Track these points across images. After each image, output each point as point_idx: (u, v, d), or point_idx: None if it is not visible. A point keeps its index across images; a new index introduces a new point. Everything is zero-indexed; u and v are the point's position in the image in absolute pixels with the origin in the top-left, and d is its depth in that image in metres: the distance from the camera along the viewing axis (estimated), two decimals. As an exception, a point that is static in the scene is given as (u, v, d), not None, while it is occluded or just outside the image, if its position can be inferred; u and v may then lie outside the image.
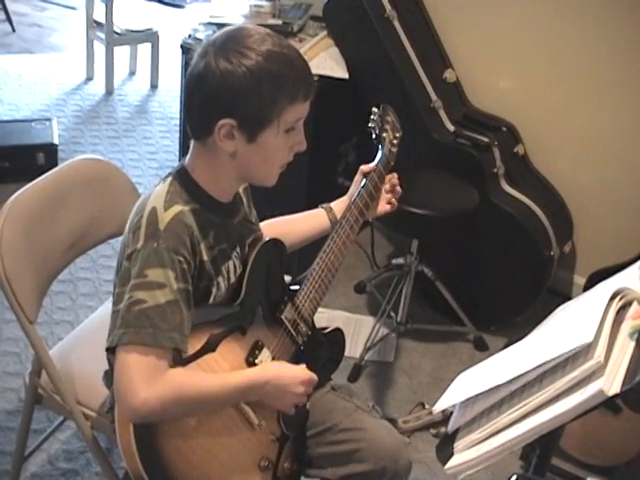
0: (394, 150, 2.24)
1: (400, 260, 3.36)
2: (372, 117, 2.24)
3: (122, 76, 5.81)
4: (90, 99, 5.44)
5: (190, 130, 1.72)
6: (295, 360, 1.89)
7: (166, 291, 1.59)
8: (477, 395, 1.63)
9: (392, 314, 3.36)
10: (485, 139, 3.32)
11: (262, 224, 2.08)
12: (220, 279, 1.76)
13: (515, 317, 3.35)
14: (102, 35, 5.34)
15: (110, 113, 5.29)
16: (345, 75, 3.40)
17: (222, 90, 1.61)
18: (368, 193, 2.08)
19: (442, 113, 3.42)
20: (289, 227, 2.14)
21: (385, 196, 2.17)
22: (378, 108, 2.27)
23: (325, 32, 3.52)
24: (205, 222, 1.71)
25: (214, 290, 1.75)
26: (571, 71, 3.42)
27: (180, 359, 1.63)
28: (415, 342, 3.40)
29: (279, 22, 3.42)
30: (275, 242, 1.92)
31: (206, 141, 1.69)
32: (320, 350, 2.01)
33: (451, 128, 3.40)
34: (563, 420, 1.40)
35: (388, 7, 3.39)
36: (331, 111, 3.45)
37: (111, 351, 1.62)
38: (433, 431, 2.93)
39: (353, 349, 3.30)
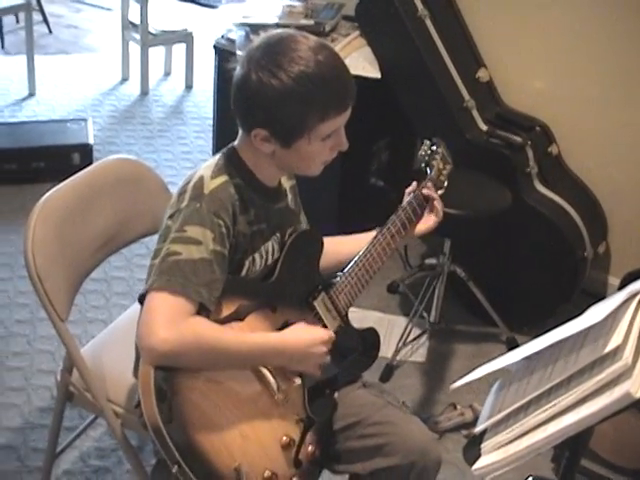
0: (442, 179, 2.26)
1: (433, 260, 3.35)
2: (423, 147, 2.25)
3: (157, 77, 5.85)
4: (125, 99, 5.49)
5: (237, 121, 1.79)
6: None
7: (201, 248, 1.65)
8: (503, 393, 1.63)
9: (425, 314, 3.36)
10: (518, 139, 3.30)
11: None
12: (257, 256, 1.82)
13: (548, 318, 3.32)
14: (137, 36, 5.39)
15: (145, 113, 5.33)
16: (377, 75, 3.40)
17: (255, 103, 1.69)
18: (412, 209, 2.10)
19: (475, 113, 3.40)
20: (341, 246, 2.15)
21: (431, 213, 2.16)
22: (430, 140, 2.28)
23: (357, 32, 3.52)
24: (247, 198, 1.78)
25: (247, 263, 1.79)
26: (605, 70, 3.38)
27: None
28: (447, 343, 3.39)
29: (311, 22, 3.43)
30: (315, 231, 2.00)
31: (250, 135, 1.75)
32: (352, 344, 2.03)
33: (484, 128, 3.39)
34: (590, 422, 1.39)
35: (420, 6, 3.38)
36: (363, 111, 3.40)
37: (143, 300, 1.65)
38: (464, 432, 2.92)
39: (385, 349, 3.29)
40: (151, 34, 5.37)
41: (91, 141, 4.39)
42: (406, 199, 2.12)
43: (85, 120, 4.63)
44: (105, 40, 6.41)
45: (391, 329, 3.43)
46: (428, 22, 3.39)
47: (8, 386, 2.97)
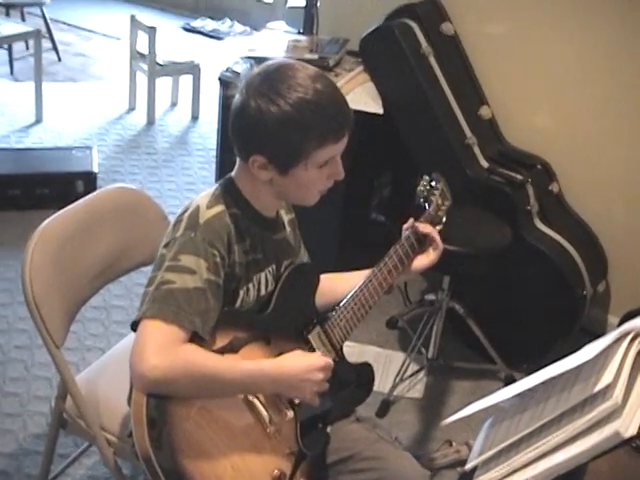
0: (441, 214, 2.25)
1: (432, 296, 3.35)
2: (422, 182, 2.25)
3: (164, 107, 5.90)
4: (131, 129, 5.53)
5: (234, 149, 1.81)
6: None
7: (195, 278, 1.65)
8: (494, 429, 1.63)
9: (423, 350, 3.35)
10: (519, 176, 3.32)
11: None
12: (250, 286, 1.82)
13: (547, 356, 3.31)
14: (145, 66, 5.44)
15: (150, 143, 5.36)
16: (380, 110, 3.41)
17: (252, 130, 1.71)
18: (409, 244, 2.09)
19: (476, 150, 3.42)
20: (337, 282, 2.13)
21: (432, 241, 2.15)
22: (429, 176, 2.29)
23: (361, 67, 3.54)
24: (243, 228, 1.79)
25: (242, 294, 1.80)
26: (607, 109, 3.41)
27: None
28: (445, 379, 3.38)
29: (315, 57, 3.45)
30: (312, 265, 2.02)
31: (247, 163, 1.77)
32: (346, 378, 2.02)
33: (485, 165, 3.40)
34: (580, 461, 1.39)
35: (424, 43, 3.41)
36: (365, 146, 3.46)
37: (135, 328, 1.66)
38: (460, 469, 2.90)
39: (382, 384, 3.29)
40: (158, 65, 5.42)
41: (95, 169, 4.42)
42: (403, 235, 2.12)
43: (90, 148, 4.66)
44: (113, 69, 6.48)
45: (389, 364, 3.42)
46: (431, 59, 3.42)
47: (4, 412, 2.96)
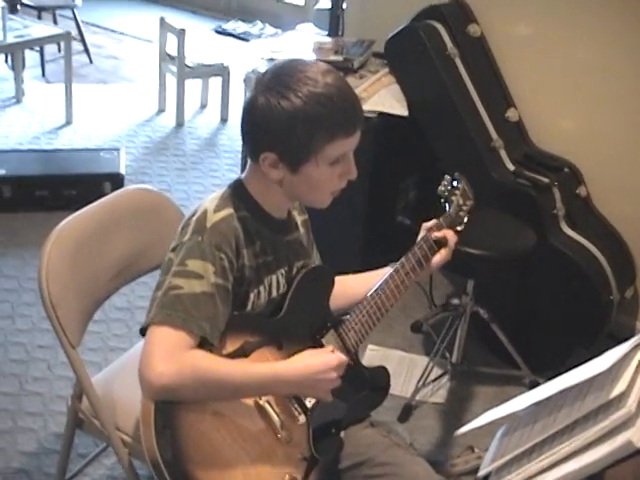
0: (462, 215, 2.21)
1: (457, 300, 3.32)
2: (443, 182, 2.23)
3: (193, 109, 5.91)
4: (160, 131, 5.55)
5: (245, 150, 1.82)
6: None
7: (203, 282, 1.64)
8: (507, 438, 1.60)
9: (447, 355, 3.32)
10: (545, 180, 3.28)
11: None
12: (261, 289, 1.80)
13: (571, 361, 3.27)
14: (174, 68, 5.46)
15: (179, 145, 5.38)
16: (405, 113, 3.39)
17: (262, 126, 1.70)
18: (429, 246, 2.06)
19: (502, 152, 3.38)
20: (351, 284, 2.12)
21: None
22: (451, 176, 2.26)
23: (386, 69, 3.52)
24: (253, 231, 1.77)
25: (252, 297, 1.78)
26: (636, 110, 3.35)
27: None
28: (469, 384, 3.34)
29: (340, 58, 3.44)
30: (325, 269, 1.98)
31: (257, 163, 1.75)
32: (360, 383, 1.99)
33: (511, 168, 3.37)
34: (591, 470, 1.37)
35: (450, 44, 3.39)
36: (391, 148, 3.45)
37: (144, 333, 1.65)
38: (475, 477, 2.87)
39: (405, 388, 3.26)
40: (188, 67, 5.44)
41: (122, 171, 4.44)
42: (422, 234, 2.09)
43: (118, 150, 4.68)
44: (144, 71, 6.51)
45: (412, 368, 3.39)
46: (457, 61, 3.40)
47: (26, 411, 2.98)
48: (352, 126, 1.72)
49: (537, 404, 1.60)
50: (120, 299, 3.57)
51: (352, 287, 2.07)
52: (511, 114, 3.54)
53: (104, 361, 3.22)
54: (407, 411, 3.13)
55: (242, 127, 1.76)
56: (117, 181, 4.35)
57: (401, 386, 3.30)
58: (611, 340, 3.36)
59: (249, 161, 1.81)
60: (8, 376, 3.16)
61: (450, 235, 2.09)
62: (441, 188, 2.21)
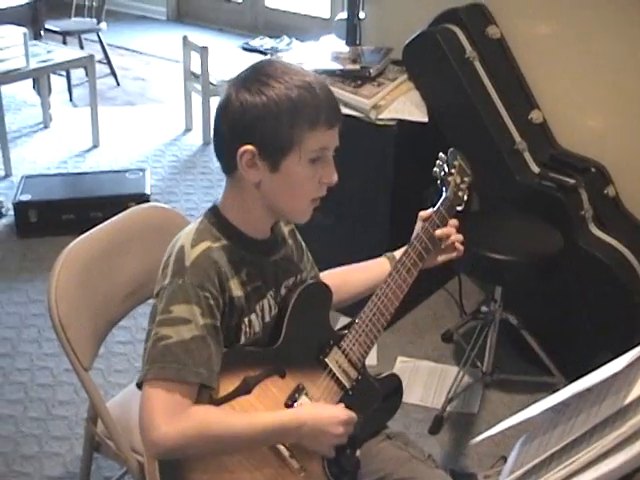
0: (461, 194, 2.14)
1: (485, 308, 3.25)
2: (438, 162, 2.16)
3: (220, 126, 5.89)
4: (187, 149, 5.55)
5: (220, 165, 1.73)
6: (342, 405, 1.79)
7: (191, 326, 1.57)
8: (526, 447, 1.54)
9: (478, 364, 3.25)
10: (571, 181, 3.19)
11: (322, 274, 2.05)
12: (253, 316, 1.73)
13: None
14: (199, 86, 5.45)
15: (206, 163, 5.37)
16: (424, 119, 3.33)
17: (242, 118, 1.62)
18: (428, 237, 1.99)
19: (527, 155, 3.31)
20: (349, 276, 2.09)
21: (449, 242, 2.04)
22: (445, 153, 2.19)
23: (405, 76, 3.47)
24: (237, 259, 1.69)
25: (244, 327, 1.71)
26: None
27: (211, 400, 1.60)
28: (501, 393, 3.27)
29: (357, 67, 3.39)
30: (319, 285, 1.89)
31: (234, 174, 1.68)
32: (371, 396, 1.91)
33: (536, 170, 3.29)
34: (611, 478, 1.30)
35: (468, 48, 3.33)
36: (412, 155, 3.39)
37: (140, 388, 1.60)
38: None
39: (437, 400, 3.20)
40: (212, 84, 5.43)
41: (148, 191, 4.44)
42: (419, 225, 2.02)
43: (143, 170, 4.68)
44: (171, 91, 6.52)
45: (443, 379, 3.33)
46: (477, 64, 3.33)
47: (52, 435, 2.98)
48: (333, 117, 1.66)
49: (555, 410, 1.54)
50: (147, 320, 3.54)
51: (352, 279, 2.04)
52: (535, 116, 3.46)
53: (130, 383, 3.18)
54: (438, 423, 3.06)
55: (217, 133, 1.68)
56: (142, 201, 4.27)
57: (432, 398, 3.24)
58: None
59: (225, 183, 1.74)
60: (35, 400, 3.16)
61: (450, 230, 2.02)
62: (435, 169, 2.12)
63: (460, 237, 2.03)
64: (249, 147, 1.62)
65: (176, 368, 1.55)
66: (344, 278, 2.06)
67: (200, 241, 1.66)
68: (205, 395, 1.59)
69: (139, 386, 1.60)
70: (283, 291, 1.82)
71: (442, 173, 2.13)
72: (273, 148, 1.63)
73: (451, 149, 2.19)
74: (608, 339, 3.19)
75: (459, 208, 2.12)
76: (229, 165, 1.68)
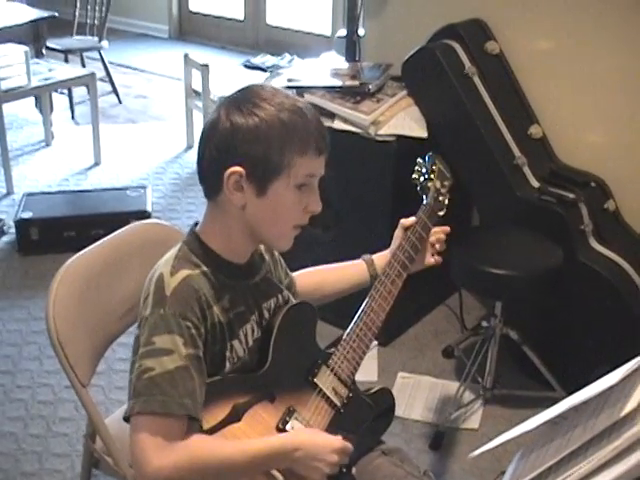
0: (442, 199, 2.14)
1: (486, 323, 3.25)
2: (416, 168, 2.15)
3: (221, 143, 5.90)
4: (189, 167, 5.55)
5: (203, 188, 1.72)
6: (334, 424, 1.79)
7: (174, 357, 1.55)
8: (523, 461, 1.54)
9: (479, 379, 3.24)
10: (571, 195, 3.20)
11: (297, 273, 2.06)
12: (236, 342, 1.71)
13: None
14: (200, 104, 5.47)
15: (207, 180, 5.36)
16: (424, 134, 3.34)
17: (232, 138, 1.60)
18: (411, 245, 1.99)
19: (526, 170, 3.32)
20: (325, 277, 2.10)
21: (430, 249, 2.05)
22: (423, 159, 2.19)
23: (404, 91, 3.47)
24: (218, 285, 1.67)
25: (228, 353, 1.69)
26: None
27: (200, 430, 1.58)
28: (502, 408, 3.25)
29: (356, 83, 3.40)
30: (303, 306, 1.86)
31: (217, 199, 1.67)
32: (363, 413, 1.89)
33: (536, 185, 3.29)
34: (608, 492, 1.29)
35: (467, 63, 3.34)
36: (411, 172, 3.38)
37: (128, 421, 1.59)
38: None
39: (437, 415, 3.19)
40: (212, 101, 5.44)
41: (149, 208, 4.45)
42: (399, 234, 2.02)
43: (144, 187, 4.70)
44: (172, 109, 6.54)
45: (444, 395, 3.32)
46: (476, 79, 3.35)
47: (53, 452, 2.97)
48: (323, 145, 1.66)
49: (552, 423, 1.54)
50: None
51: (327, 279, 2.05)
52: (534, 131, 3.47)
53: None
54: (439, 438, 3.05)
55: (203, 153, 1.66)
56: (143, 219, 4.32)
57: (433, 413, 3.23)
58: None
59: (206, 207, 1.73)
60: (36, 417, 3.16)
61: (441, 237, 2.03)
62: (414, 176, 2.12)
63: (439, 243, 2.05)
64: (237, 169, 1.60)
65: (161, 400, 1.53)
66: (319, 279, 2.07)
67: (179, 269, 1.64)
68: (195, 426, 1.58)
69: (126, 420, 1.59)
70: (265, 314, 1.79)
71: (421, 179, 2.12)
72: (262, 170, 1.61)
73: (429, 153, 2.18)
74: (609, 353, 3.17)
75: (441, 213, 2.12)
76: (213, 188, 1.66)
